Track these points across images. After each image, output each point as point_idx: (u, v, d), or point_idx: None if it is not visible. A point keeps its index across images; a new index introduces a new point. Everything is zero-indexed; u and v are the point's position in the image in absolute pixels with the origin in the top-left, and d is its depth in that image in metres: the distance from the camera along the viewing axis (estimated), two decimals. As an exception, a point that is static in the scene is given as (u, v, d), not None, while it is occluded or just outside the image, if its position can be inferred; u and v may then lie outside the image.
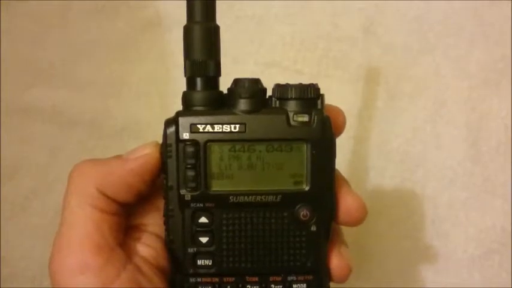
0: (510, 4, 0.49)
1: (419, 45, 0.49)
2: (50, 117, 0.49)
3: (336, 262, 0.33)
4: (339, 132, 0.33)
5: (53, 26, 0.49)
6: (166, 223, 0.32)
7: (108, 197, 0.31)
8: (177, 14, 0.48)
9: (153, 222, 0.33)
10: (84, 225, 0.30)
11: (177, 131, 0.31)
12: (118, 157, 0.32)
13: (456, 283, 0.50)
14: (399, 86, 0.49)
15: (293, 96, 0.31)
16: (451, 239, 0.50)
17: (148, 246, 0.33)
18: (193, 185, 0.31)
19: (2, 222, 0.49)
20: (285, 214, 0.32)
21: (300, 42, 0.49)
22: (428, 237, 0.50)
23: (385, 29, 0.49)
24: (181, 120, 0.31)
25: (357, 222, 0.33)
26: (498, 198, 0.49)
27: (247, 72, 0.49)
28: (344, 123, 0.33)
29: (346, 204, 0.32)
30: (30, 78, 0.49)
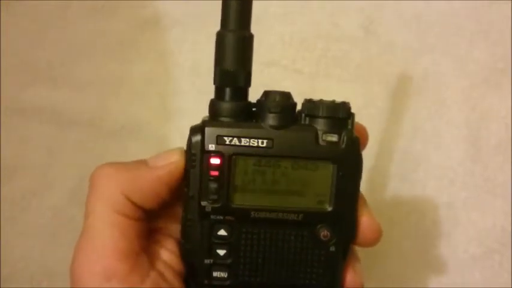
0: (510, 3, 0.49)
1: (419, 44, 0.49)
2: (49, 117, 0.49)
3: (349, 279, 0.33)
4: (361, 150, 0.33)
5: (52, 25, 0.49)
6: (183, 232, 0.32)
7: (134, 203, 0.30)
8: (176, 13, 0.49)
9: (173, 227, 0.33)
10: (110, 232, 0.29)
11: (202, 141, 0.30)
12: (143, 163, 0.31)
13: (457, 283, 0.50)
14: (399, 86, 0.49)
15: (323, 115, 0.31)
16: (452, 239, 0.49)
17: (170, 252, 0.32)
18: (215, 197, 0.31)
19: (1, 222, 0.49)
20: (305, 233, 0.31)
21: (299, 42, 0.49)
22: (428, 237, 0.50)
23: (385, 28, 0.49)
24: (207, 130, 0.30)
25: (371, 244, 0.33)
26: (498, 198, 0.49)
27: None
28: (367, 140, 0.33)
29: (363, 227, 0.32)
30: (29, 78, 0.49)
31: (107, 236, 0.29)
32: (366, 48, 0.49)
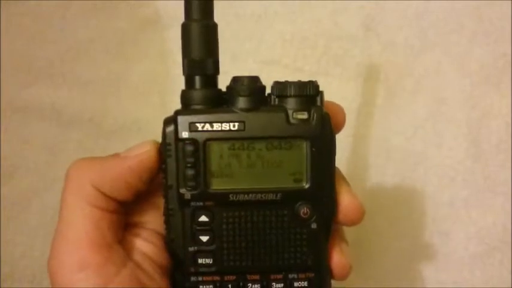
0: (510, 2, 0.48)
1: (419, 42, 0.49)
2: (49, 116, 0.49)
3: (336, 260, 0.33)
4: (339, 130, 0.33)
5: (52, 24, 0.49)
6: (166, 222, 0.32)
7: (105, 194, 0.31)
8: (176, 11, 0.48)
9: (152, 220, 0.33)
10: (82, 224, 0.30)
11: (176, 130, 0.31)
12: (115, 155, 0.32)
13: (457, 281, 0.50)
14: (400, 84, 0.49)
15: (292, 94, 0.31)
16: (452, 238, 0.50)
17: (148, 243, 0.33)
18: (192, 183, 0.31)
19: (1, 221, 0.49)
20: (285, 212, 0.32)
21: (300, 40, 0.49)
22: (428, 235, 0.50)
23: (386, 27, 0.49)
24: (180, 119, 0.31)
25: (353, 222, 0.33)
26: (499, 196, 0.49)
27: (246, 70, 0.49)
28: (344, 120, 0.33)
29: (343, 204, 0.32)
30: (29, 77, 0.49)
31: (80, 228, 0.30)
32: (367, 47, 0.49)
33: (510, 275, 0.49)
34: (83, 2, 0.49)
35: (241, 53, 0.49)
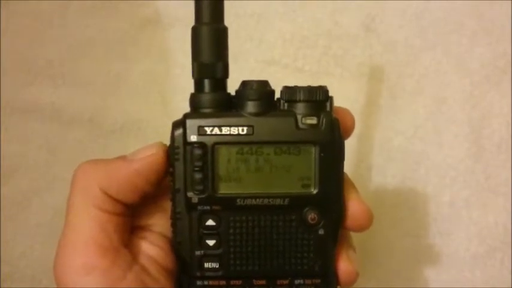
0: (510, 2, 0.48)
1: (420, 42, 0.49)
2: (49, 116, 0.49)
3: (343, 267, 0.33)
4: (348, 135, 0.33)
5: (52, 24, 0.49)
6: (173, 226, 0.32)
7: (112, 197, 0.31)
8: (176, 11, 0.49)
9: (159, 223, 0.33)
10: (88, 227, 0.30)
11: (184, 134, 0.31)
12: (122, 157, 0.32)
13: (458, 281, 0.49)
14: (400, 84, 0.49)
15: (301, 99, 0.31)
16: (453, 238, 0.49)
17: (155, 246, 0.32)
18: (200, 187, 0.31)
19: (1, 221, 0.49)
20: (293, 217, 0.32)
21: (300, 40, 0.49)
22: (430, 235, 0.50)
23: (386, 26, 0.49)
24: (188, 122, 0.31)
25: (361, 228, 0.33)
26: (500, 196, 0.49)
27: (247, 70, 0.49)
28: (353, 125, 0.33)
29: (352, 210, 0.32)
30: (29, 77, 0.49)
31: (86, 231, 0.30)
32: (367, 47, 0.49)
33: (511, 275, 0.49)
34: (83, 1, 0.49)
35: (242, 52, 0.49)
